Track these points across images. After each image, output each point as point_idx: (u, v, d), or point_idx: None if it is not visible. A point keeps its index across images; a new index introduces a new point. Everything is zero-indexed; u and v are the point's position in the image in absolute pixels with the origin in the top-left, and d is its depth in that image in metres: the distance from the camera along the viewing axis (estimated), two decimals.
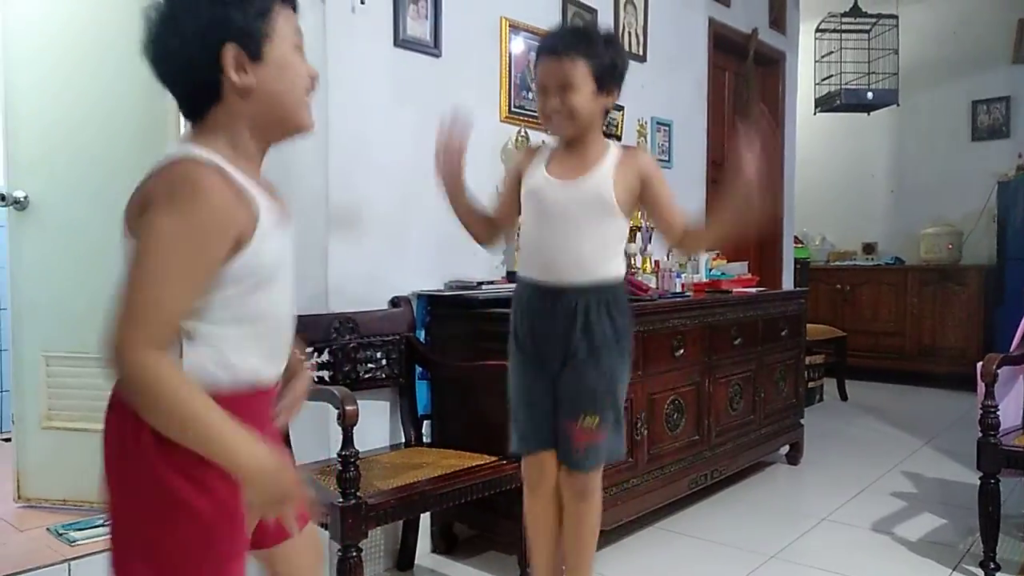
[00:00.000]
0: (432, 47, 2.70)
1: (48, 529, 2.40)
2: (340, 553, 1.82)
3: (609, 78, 1.74)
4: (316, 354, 2.27)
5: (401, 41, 2.60)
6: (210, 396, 0.98)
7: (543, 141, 1.98)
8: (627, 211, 1.78)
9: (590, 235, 1.74)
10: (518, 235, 2.00)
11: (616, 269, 1.80)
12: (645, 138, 3.54)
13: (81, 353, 2.58)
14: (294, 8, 1.08)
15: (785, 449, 3.74)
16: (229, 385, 1.03)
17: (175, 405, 0.93)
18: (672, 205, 1.81)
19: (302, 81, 1.08)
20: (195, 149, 1.01)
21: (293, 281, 1.14)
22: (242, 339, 1.04)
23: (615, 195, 1.74)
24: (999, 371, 2.47)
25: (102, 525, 2.35)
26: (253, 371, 1.07)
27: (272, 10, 1.03)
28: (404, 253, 2.64)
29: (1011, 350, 2.77)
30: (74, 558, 2.15)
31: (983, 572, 2.41)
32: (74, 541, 2.27)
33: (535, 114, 3.09)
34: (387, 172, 2.56)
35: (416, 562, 2.53)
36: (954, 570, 2.50)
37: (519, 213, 1.85)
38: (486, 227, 1.90)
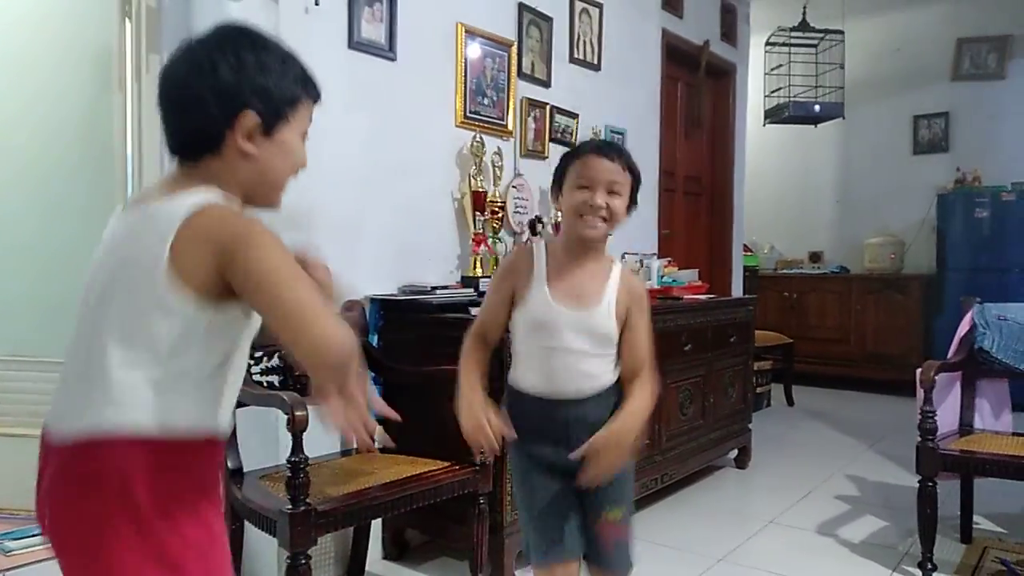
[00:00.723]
0: (387, 50, 2.69)
1: None
2: (289, 560, 1.79)
3: (634, 202, 1.77)
4: (266, 358, 2.24)
5: (355, 43, 2.58)
6: (177, 439, 1.02)
7: (528, 240, 1.81)
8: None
9: (598, 358, 1.69)
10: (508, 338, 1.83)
11: (616, 373, 1.74)
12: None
13: (21, 357, 2.50)
14: (316, 101, 1.15)
15: (734, 453, 3.81)
16: (204, 429, 1.06)
17: None
18: (643, 341, 1.73)
19: (298, 163, 1.14)
20: (217, 196, 1.04)
21: None
22: (223, 386, 1.08)
23: (617, 324, 1.69)
24: (937, 378, 2.56)
25: (39, 533, 2.27)
26: (223, 417, 1.10)
27: (300, 100, 1.11)
28: (357, 257, 2.61)
29: (948, 357, 2.86)
30: (10, 568, 2.08)
31: (921, 572, 2.49)
32: (9, 551, 2.20)
33: (490, 119, 3.10)
34: (340, 175, 2.54)
35: (367, 568, 2.51)
36: (894, 571, 2.58)
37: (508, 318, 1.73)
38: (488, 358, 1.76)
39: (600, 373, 1.70)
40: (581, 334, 1.65)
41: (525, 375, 1.72)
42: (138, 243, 1.00)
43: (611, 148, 1.74)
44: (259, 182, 1.10)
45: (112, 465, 0.99)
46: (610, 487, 1.72)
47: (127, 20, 2.42)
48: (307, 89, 1.12)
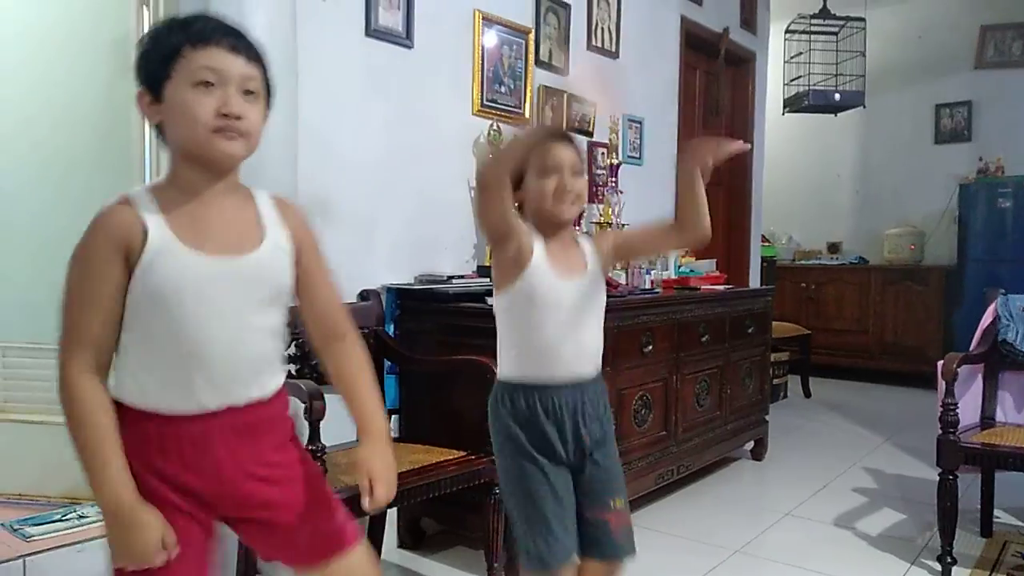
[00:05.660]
0: (404, 38, 2.68)
1: (3, 524, 2.34)
2: None
3: None
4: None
5: (372, 31, 2.57)
6: (119, 408, 1.10)
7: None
8: None
9: (597, 325, 1.76)
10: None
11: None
12: (617, 134, 3.54)
13: (39, 344, 2.52)
14: (199, 42, 1.10)
15: (750, 445, 3.79)
16: (133, 402, 1.12)
17: (79, 427, 1.07)
18: (646, 224, 1.87)
19: (200, 116, 1.09)
20: (134, 188, 1.15)
21: (235, 312, 1.14)
22: (144, 359, 1.12)
23: (604, 276, 1.79)
24: (959, 370, 2.52)
25: (59, 520, 2.30)
26: (155, 394, 1.12)
27: (178, 54, 1.09)
28: (373, 246, 2.61)
29: (970, 350, 2.83)
30: (30, 554, 2.09)
31: (940, 566, 2.46)
32: (30, 536, 2.22)
33: (507, 107, 3.09)
34: (357, 164, 2.53)
35: (383, 557, 2.51)
36: (913, 564, 2.55)
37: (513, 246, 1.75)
38: (510, 203, 1.64)
39: (600, 345, 1.75)
40: (583, 298, 1.70)
41: (533, 364, 1.70)
42: None
43: (570, 137, 1.76)
44: (177, 140, 1.13)
45: None
46: (612, 475, 1.75)
47: (144, 7, 2.42)
48: (187, 36, 1.09)
